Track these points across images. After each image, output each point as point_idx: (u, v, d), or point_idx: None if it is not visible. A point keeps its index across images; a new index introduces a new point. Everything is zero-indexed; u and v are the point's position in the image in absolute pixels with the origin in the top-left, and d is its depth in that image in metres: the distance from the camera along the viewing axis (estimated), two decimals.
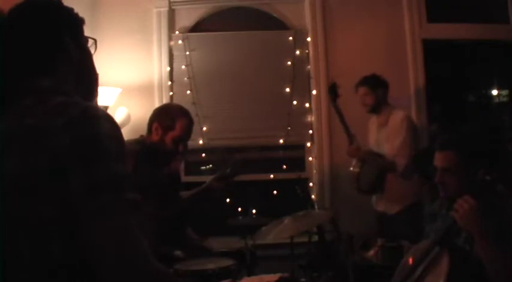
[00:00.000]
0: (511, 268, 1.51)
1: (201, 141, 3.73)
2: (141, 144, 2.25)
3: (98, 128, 0.87)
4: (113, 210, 0.84)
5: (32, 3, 1.01)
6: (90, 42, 1.09)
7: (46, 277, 0.86)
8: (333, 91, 3.17)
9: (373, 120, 3.32)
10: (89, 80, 1.08)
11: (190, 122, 2.29)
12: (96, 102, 1.13)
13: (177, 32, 3.85)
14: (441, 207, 1.90)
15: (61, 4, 1.04)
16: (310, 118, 3.80)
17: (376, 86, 3.17)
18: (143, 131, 2.39)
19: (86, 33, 1.10)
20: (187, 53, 3.78)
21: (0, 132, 0.90)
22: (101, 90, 3.28)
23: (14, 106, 0.92)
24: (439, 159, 1.81)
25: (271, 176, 3.81)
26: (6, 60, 0.98)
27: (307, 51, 3.84)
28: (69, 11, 1.05)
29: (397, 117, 3.10)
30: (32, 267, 0.85)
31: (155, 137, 2.24)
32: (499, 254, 1.53)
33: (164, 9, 3.81)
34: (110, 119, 0.92)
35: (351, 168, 3.21)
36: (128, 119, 3.53)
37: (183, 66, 3.79)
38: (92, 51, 1.10)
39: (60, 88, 0.97)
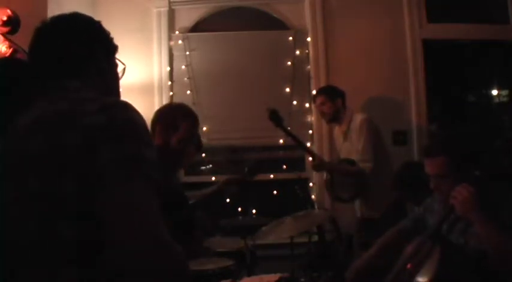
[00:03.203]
0: None
1: None
2: None
3: (130, 114, 0.93)
4: (137, 186, 0.86)
5: (75, 16, 1.11)
6: (121, 67, 1.19)
7: (56, 260, 0.86)
8: (274, 118, 2.91)
9: (337, 130, 3.34)
10: (113, 95, 1.14)
11: (195, 122, 2.19)
12: None
13: (177, 32, 3.85)
14: (434, 202, 1.92)
15: (100, 25, 1.14)
16: (310, 118, 3.80)
17: (333, 96, 3.18)
18: None
19: None
20: (187, 53, 3.78)
21: (28, 117, 0.95)
22: None
23: (43, 98, 0.99)
24: (429, 166, 1.80)
25: (271, 176, 3.81)
26: (42, 60, 1.06)
27: (307, 51, 3.84)
28: (107, 34, 1.15)
29: (356, 122, 3.10)
30: (42, 249, 0.87)
31: (159, 140, 2.12)
32: (503, 238, 1.54)
33: (164, 9, 3.81)
34: (138, 112, 0.96)
35: (324, 178, 3.23)
36: None
37: (183, 66, 3.79)
38: (120, 75, 1.19)
39: (88, 91, 1.02)
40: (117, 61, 1.18)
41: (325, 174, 3.22)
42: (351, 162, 3.07)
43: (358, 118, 3.11)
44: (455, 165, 1.74)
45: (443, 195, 1.78)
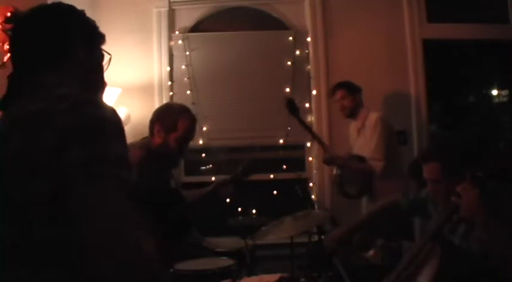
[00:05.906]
0: None
1: (201, 141, 3.72)
2: (146, 149, 2.17)
3: (99, 112, 0.91)
4: (104, 185, 0.85)
5: (54, 6, 1.06)
6: (106, 58, 1.15)
7: (35, 261, 0.87)
8: (290, 106, 2.94)
9: (353, 126, 3.35)
10: (94, 87, 1.11)
11: (193, 121, 2.23)
12: None
13: (177, 32, 3.85)
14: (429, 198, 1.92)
15: (82, 14, 1.08)
16: (310, 118, 3.80)
17: (353, 90, 3.21)
18: (143, 130, 2.37)
19: None
20: (187, 53, 3.78)
21: (3, 118, 0.95)
22: None
23: (19, 97, 0.97)
24: (425, 172, 1.82)
25: (271, 176, 3.81)
26: (19, 56, 1.03)
27: (307, 51, 3.84)
28: (91, 22, 1.09)
29: (371, 120, 3.12)
30: (22, 250, 0.88)
31: (158, 139, 2.17)
32: (506, 241, 1.53)
33: (164, 9, 3.81)
34: (111, 107, 0.95)
35: (333, 172, 3.24)
36: (127, 119, 3.52)
37: (183, 66, 3.79)
38: (105, 67, 1.14)
39: (63, 85, 1.00)
40: (103, 52, 1.13)
41: (335, 169, 3.23)
42: (361, 159, 3.09)
43: (374, 116, 3.13)
44: (448, 170, 1.73)
45: (440, 199, 1.79)
